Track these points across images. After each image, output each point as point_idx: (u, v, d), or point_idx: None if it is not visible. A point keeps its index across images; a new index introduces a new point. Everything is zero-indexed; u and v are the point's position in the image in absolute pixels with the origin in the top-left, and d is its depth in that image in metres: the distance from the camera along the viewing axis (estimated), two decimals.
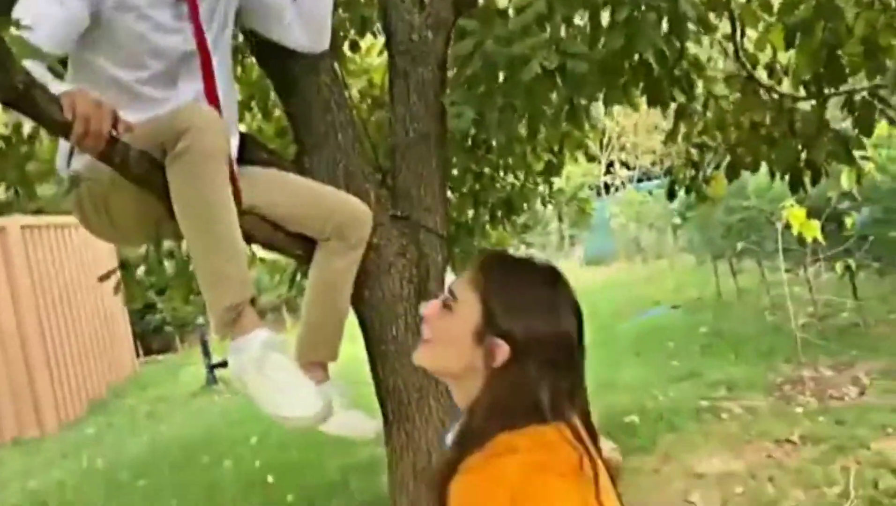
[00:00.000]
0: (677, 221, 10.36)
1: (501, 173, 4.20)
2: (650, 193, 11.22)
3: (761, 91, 2.69)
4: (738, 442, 4.39)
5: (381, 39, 4.51)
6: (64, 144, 1.73)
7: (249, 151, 1.99)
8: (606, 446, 4.33)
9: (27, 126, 2.78)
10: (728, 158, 2.86)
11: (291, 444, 5.75)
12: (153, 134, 1.58)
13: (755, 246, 6.73)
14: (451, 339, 1.02)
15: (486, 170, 4.13)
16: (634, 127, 16.15)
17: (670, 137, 2.91)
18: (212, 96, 1.81)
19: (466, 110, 2.04)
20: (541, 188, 4.11)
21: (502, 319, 0.98)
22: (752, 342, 6.57)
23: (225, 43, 1.89)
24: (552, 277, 1.05)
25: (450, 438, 1.04)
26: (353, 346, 2.34)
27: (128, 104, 1.64)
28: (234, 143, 1.88)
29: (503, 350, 0.98)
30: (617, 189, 14.31)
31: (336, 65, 2.25)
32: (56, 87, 1.35)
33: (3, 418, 8.14)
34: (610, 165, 15.58)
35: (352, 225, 1.95)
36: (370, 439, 2.12)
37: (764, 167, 2.89)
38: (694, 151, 3.13)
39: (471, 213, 4.04)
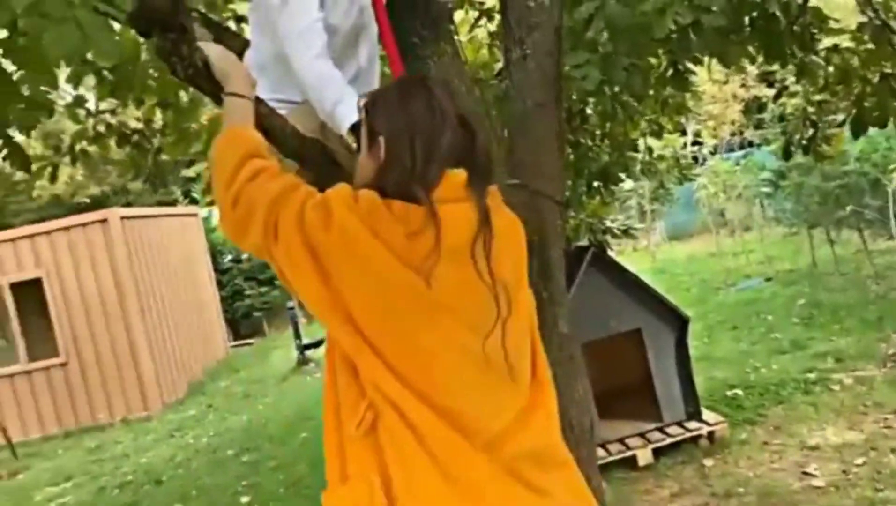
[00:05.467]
0: (767, 190, 10.00)
1: (598, 143, 4.14)
2: (737, 163, 10.86)
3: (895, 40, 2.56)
4: (853, 413, 4.24)
5: (472, 14, 4.51)
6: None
7: None
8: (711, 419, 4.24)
9: (158, 120, 2.93)
10: (854, 113, 2.74)
11: None
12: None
13: (863, 210, 6.44)
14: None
15: (583, 140, 4.09)
16: (713, 99, 15.66)
17: (788, 95, 2.80)
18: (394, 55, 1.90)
19: (592, 71, 2.01)
20: (640, 156, 4.04)
21: (373, 121, 1.24)
22: (857, 312, 6.32)
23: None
24: (408, 87, 1.25)
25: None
26: None
27: None
28: None
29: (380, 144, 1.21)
30: (705, 160, 13.88)
31: (455, 34, 2.26)
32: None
33: (113, 398, 8.60)
34: (697, 136, 15.16)
35: None
36: None
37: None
38: (811, 110, 3.01)
39: (569, 183, 4.00)
